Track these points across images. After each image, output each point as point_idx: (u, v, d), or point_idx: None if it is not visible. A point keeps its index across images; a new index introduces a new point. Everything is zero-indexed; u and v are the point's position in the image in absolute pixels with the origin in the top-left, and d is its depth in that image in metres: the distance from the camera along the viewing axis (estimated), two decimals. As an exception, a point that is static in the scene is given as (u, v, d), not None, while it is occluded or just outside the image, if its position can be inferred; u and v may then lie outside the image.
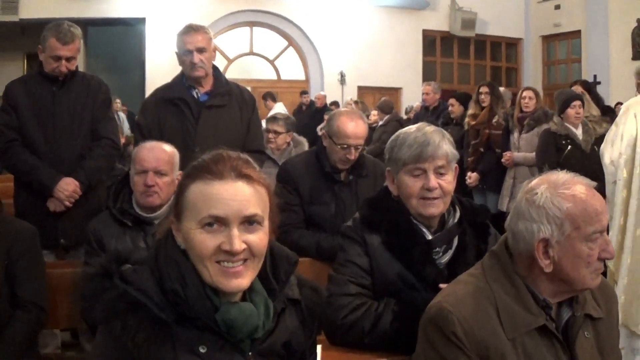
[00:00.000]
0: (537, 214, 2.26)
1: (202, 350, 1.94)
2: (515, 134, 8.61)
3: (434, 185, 2.82)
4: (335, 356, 2.69)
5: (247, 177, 1.97)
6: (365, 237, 2.91)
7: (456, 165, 2.98)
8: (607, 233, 2.37)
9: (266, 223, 2.01)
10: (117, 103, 14.97)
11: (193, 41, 4.85)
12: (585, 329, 2.39)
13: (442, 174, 2.85)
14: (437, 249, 2.89)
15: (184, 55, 4.91)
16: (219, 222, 1.93)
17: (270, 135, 6.68)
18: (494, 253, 2.42)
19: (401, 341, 2.68)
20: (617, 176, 5.47)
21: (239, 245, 1.92)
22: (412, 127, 2.97)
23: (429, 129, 2.91)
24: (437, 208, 2.86)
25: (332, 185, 4.44)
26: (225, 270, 1.94)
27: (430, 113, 10.66)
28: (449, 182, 2.87)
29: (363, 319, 2.79)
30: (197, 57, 4.82)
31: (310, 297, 2.22)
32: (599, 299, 2.50)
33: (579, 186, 2.28)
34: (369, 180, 4.41)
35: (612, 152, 5.63)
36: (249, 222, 1.95)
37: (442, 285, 2.63)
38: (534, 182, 2.35)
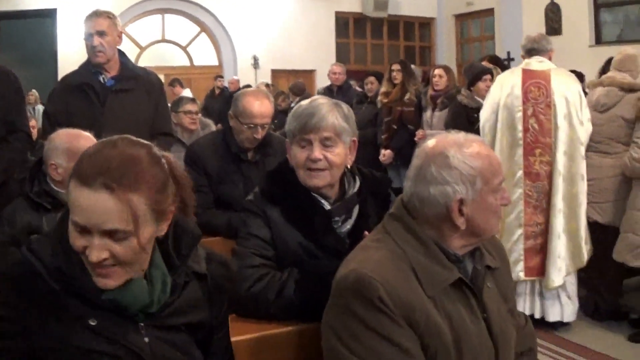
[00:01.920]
0: (451, 176, 2.28)
1: (92, 323, 1.94)
2: (429, 112, 8.72)
3: (317, 157, 2.81)
4: (243, 328, 2.66)
5: (111, 189, 1.85)
6: (265, 210, 2.90)
7: (354, 139, 2.97)
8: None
9: (144, 229, 1.93)
10: (33, 95, 14.73)
11: (94, 25, 4.84)
12: (487, 279, 2.46)
13: (328, 146, 2.84)
14: (337, 218, 2.90)
15: (86, 40, 4.91)
16: (81, 228, 1.88)
17: (193, 116, 6.70)
18: (395, 216, 2.42)
19: (306, 309, 2.68)
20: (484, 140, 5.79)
21: (96, 256, 1.87)
22: (307, 100, 2.98)
23: (322, 100, 2.92)
24: (322, 180, 2.86)
25: (239, 164, 4.45)
26: (92, 268, 1.92)
27: (335, 93, 10.70)
28: (336, 154, 2.85)
29: (267, 289, 2.78)
30: (96, 40, 4.82)
31: (217, 271, 2.23)
32: (492, 249, 2.58)
33: (476, 144, 2.35)
34: (275, 158, 4.38)
35: (482, 119, 6.23)
36: (110, 235, 1.88)
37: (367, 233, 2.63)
38: (435, 146, 2.37)
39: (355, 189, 2.97)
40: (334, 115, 2.85)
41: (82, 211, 1.87)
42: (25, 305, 1.91)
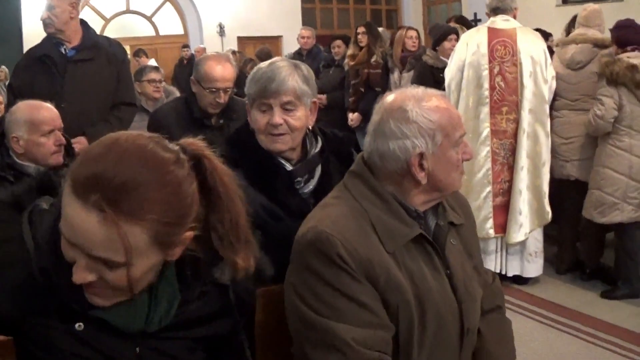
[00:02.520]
0: (410, 130, 2.26)
1: (78, 328, 1.74)
2: (396, 73, 8.71)
3: (277, 122, 2.78)
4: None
5: (105, 212, 1.53)
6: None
7: (314, 100, 2.94)
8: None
9: (142, 261, 1.64)
10: (3, 72, 14.58)
11: None
12: (451, 236, 2.46)
13: (289, 110, 2.81)
14: (299, 179, 2.88)
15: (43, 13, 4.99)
16: (69, 242, 1.61)
17: (157, 85, 6.67)
18: (355, 173, 2.42)
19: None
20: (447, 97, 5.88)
21: (80, 278, 1.62)
22: (266, 62, 2.92)
23: (281, 63, 2.86)
24: (283, 144, 2.84)
25: (203, 130, 4.34)
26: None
27: (305, 57, 10.68)
28: (297, 118, 2.82)
29: None
30: (45, 14, 4.93)
31: (243, 284, 2.01)
32: (456, 206, 2.58)
33: (435, 97, 2.33)
34: (239, 123, 4.37)
35: (447, 77, 6.29)
36: (100, 260, 1.60)
37: None
38: (393, 101, 2.35)
39: (317, 149, 2.95)
40: (294, 79, 2.81)
41: (69, 225, 1.59)
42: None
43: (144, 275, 1.69)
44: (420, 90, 2.35)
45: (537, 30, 6.97)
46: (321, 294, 2.18)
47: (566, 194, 6.65)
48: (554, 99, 6.55)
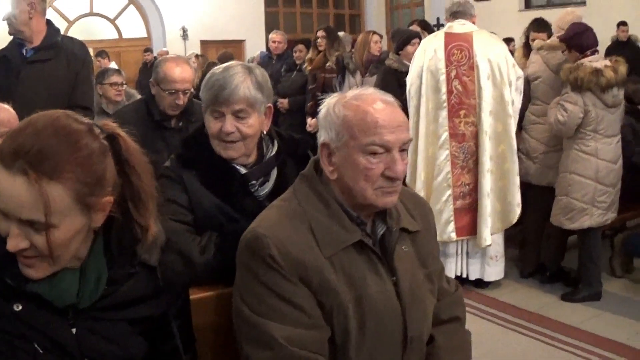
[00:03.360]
0: (324, 121, 2.32)
1: (16, 308, 1.82)
2: (358, 77, 8.69)
3: (229, 130, 2.78)
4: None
5: (28, 175, 1.69)
6: (182, 175, 2.85)
7: (269, 105, 2.93)
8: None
9: (66, 222, 1.77)
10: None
11: None
12: (402, 242, 2.44)
13: (241, 118, 2.80)
14: (254, 181, 2.87)
15: None
16: (2, 212, 1.75)
17: (119, 88, 6.66)
18: (304, 176, 2.44)
19: (225, 273, 2.65)
20: (408, 103, 6.21)
21: (13, 245, 1.74)
22: (221, 67, 2.90)
23: (234, 70, 2.84)
24: (235, 151, 2.84)
25: (163, 132, 4.41)
26: (17, 255, 1.79)
27: (274, 61, 10.67)
28: (249, 125, 2.81)
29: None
30: (6, 14, 4.94)
31: (172, 264, 2.14)
32: (415, 213, 2.55)
33: (374, 101, 2.30)
34: (198, 125, 4.37)
35: (408, 83, 6.36)
36: (29, 224, 1.73)
37: None
38: (338, 96, 2.38)
39: (273, 153, 2.95)
40: (246, 86, 2.79)
41: (1, 195, 1.72)
42: None
43: (68, 240, 1.80)
44: (370, 91, 2.35)
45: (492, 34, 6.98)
46: (257, 293, 2.22)
47: (532, 198, 6.68)
48: (534, 104, 6.59)
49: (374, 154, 2.25)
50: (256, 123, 2.84)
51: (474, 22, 6.44)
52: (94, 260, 1.91)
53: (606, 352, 5.19)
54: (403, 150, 2.29)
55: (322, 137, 2.33)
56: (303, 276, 2.21)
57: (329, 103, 2.34)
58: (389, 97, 2.35)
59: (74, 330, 1.89)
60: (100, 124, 1.91)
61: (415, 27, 8.56)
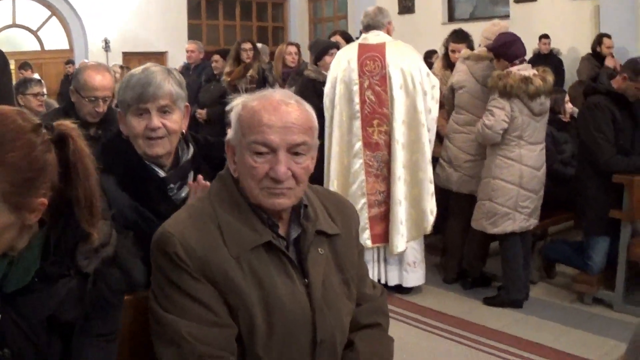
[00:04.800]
0: (230, 120, 2.37)
1: None
2: (277, 88, 8.73)
3: (156, 125, 2.81)
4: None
5: None
6: (101, 181, 2.86)
7: (187, 104, 2.98)
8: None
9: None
10: None
11: None
12: (319, 245, 2.44)
13: (166, 113, 2.85)
14: (172, 185, 2.91)
15: None
16: None
17: (40, 98, 6.65)
18: (220, 176, 2.45)
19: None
20: (325, 114, 6.29)
21: None
22: (139, 68, 2.94)
23: (154, 69, 2.89)
24: (162, 147, 2.87)
25: (82, 141, 4.36)
26: None
27: (191, 71, 10.67)
28: (174, 121, 2.87)
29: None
30: None
31: (109, 278, 2.17)
32: (336, 217, 2.56)
33: (270, 101, 2.31)
34: (115, 131, 4.38)
35: (324, 94, 6.45)
36: None
37: None
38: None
39: (189, 156, 2.99)
40: (169, 82, 2.85)
41: None
42: None
43: None
44: (278, 92, 2.37)
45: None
46: (166, 291, 2.24)
47: (454, 205, 6.77)
48: (458, 113, 6.67)
49: (259, 153, 2.27)
50: (179, 119, 2.90)
51: (388, 31, 6.55)
52: (29, 252, 1.94)
53: (531, 355, 5.28)
54: (296, 153, 2.29)
55: (228, 136, 2.37)
56: (208, 275, 2.22)
57: (236, 102, 2.37)
58: (296, 100, 2.36)
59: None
60: (55, 124, 1.95)
61: (337, 38, 8.65)
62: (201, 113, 9.51)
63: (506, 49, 6.12)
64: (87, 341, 2.16)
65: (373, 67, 6.28)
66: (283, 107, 2.29)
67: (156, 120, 2.82)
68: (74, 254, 2.02)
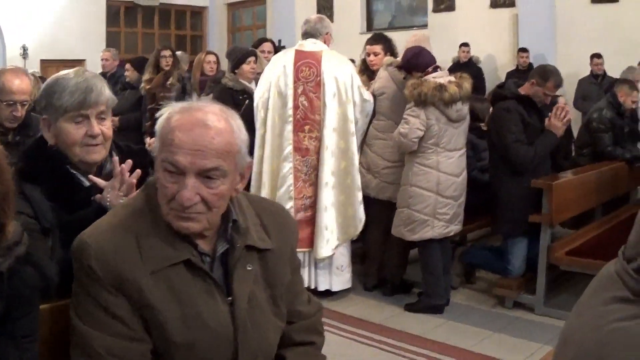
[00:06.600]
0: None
1: None
2: (194, 97, 8.70)
3: (97, 131, 2.79)
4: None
5: None
6: (24, 189, 2.72)
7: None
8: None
9: None
10: None
11: None
12: (248, 260, 2.34)
13: (103, 119, 2.83)
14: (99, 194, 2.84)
15: None
16: None
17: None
18: (146, 186, 2.37)
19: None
20: (256, 116, 6.37)
21: None
22: (69, 72, 2.88)
23: (89, 74, 2.87)
24: (99, 154, 2.85)
25: (-2, 147, 4.29)
26: None
27: (107, 79, 10.58)
28: (108, 127, 2.86)
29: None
30: None
31: (24, 275, 2.09)
32: (272, 230, 2.45)
33: (194, 119, 2.16)
34: (37, 137, 4.33)
35: (256, 97, 6.53)
36: None
37: None
38: None
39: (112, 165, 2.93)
40: (106, 88, 2.86)
41: None
42: None
43: None
44: (202, 106, 2.21)
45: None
46: (82, 302, 2.18)
47: (373, 212, 6.76)
48: (378, 119, 6.71)
49: (170, 172, 2.15)
50: (111, 125, 2.89)
51: (326, 40, 6.63)
52: None
53: (452, 359, 5.33)
54: (208, 177, 2.15)
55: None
56: (121, 288, 2.14)
57: (163, 111, 2.23)
58: (225, 118, 2.20)
59: None
60: None
61: (267, 46, 8.74)
62: (114, 120, 9.36)
63: (415, 60, 6.24)
64: (12, 343, 2.10)
65: (309, 73, 6.36)
66: (199, 128, 2.14)
67: (96, 127, 2.80)
68: None
